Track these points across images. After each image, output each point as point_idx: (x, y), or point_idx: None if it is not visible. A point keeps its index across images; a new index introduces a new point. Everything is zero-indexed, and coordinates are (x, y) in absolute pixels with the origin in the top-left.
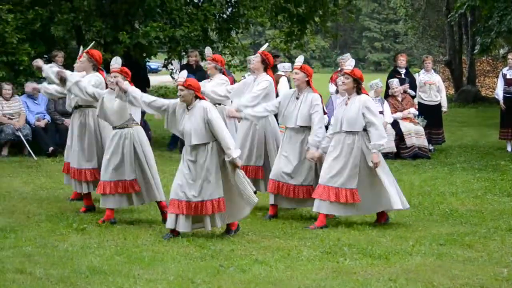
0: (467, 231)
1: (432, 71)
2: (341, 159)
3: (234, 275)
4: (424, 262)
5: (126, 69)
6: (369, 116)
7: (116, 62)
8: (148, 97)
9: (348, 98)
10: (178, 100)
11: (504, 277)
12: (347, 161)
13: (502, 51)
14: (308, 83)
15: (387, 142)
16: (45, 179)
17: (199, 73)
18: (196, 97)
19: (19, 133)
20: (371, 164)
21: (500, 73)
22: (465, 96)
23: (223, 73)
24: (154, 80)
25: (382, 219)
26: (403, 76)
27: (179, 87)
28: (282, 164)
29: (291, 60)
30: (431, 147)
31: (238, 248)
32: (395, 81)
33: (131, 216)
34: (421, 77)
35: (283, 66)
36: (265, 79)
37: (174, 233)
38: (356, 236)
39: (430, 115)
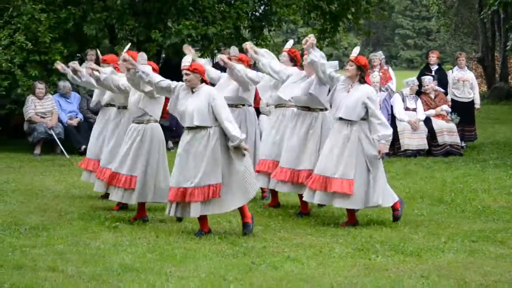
0: (499, 227)
1: (466, 68)
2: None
3: (266, 272)
4: (456, 258)
5: (153, 64)
6: (372, 107)
7: (142, 58)
8: (156, 76)
9: (351, 86)
10: (179, 84)
11: None
12: (343, 151)
13: None
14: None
15: (420, 139)
16: (77, 177)
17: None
18: (202, 81)
19: (52, 132)
20: (375, 153)
21: None
22: (498, 93)
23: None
24: None
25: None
26: (433, 73)
27: (184, 71)
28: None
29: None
30: (463, 144)
31: (270, 245)
32: (427, 78)
33: (163, 214)
34: (454, 74)
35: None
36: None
37: (205, 230)
38: (388, 233)
39: (463, 112)
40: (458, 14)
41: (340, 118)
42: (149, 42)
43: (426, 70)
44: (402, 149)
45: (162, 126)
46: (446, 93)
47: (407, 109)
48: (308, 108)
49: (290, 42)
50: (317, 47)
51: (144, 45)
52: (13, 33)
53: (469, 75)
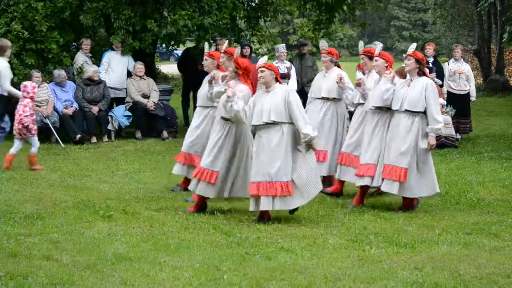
0: (493, 220)
1: (462, 60)
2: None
3: (260, 262)
4: (450, 251)
5: (239, 59)
6: (429, 100)
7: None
8: (243, 116)
9: (411, 80)
10: (252, 98)
11: None
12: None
13: None
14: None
15: None
16: (72, 166)
17: None
18: (276, 80)
19: (47, 121)
20: (425, 146)
21: None
22: (493, 85)
23: (338, 66)
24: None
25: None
26: (430, 65)
27: (260, 68)
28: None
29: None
30: (458, 137)
31: (264, 236)
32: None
33: (158, 203)
34: (450, 66)
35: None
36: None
37: (265, 216)
38: (382, 225)
39: (459, 104)
40: (455, 6)
41: (406, 111)
42: (145, 31)
43: None
44: None
45: (156, 116)
46: (441, 85)
47: None
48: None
49: (361, 44)
50: (312, 38)
51: (140, 35)
52: (10, 22)
53: (465, 67)
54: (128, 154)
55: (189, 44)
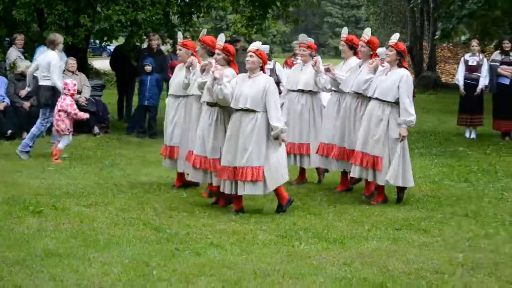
0: (423, 216)
1: None
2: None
3: (189, 258)
4: (379, 246)
5: (229, 46)
6: (402, 91)
7: (221, 40)
8: (230, 94)
9: (390, 69)
10: (234, 79)
11: (459, 262)
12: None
13: (463, 38)
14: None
15: None
16: (3, 161)
17: (160, 57)
18: (261, 68)
19: None
20: (396, 137)
21: (462, 59)
22: (425, 82)
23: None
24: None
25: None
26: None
27: (250, 53)
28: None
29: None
30: None
31: (194, 232)
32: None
33: (88, 199)
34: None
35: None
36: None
37: (237, 208)
38: (312, 221)
39: None
40: (388, 3)
41: (376, 99)
42: (78, 27)
43: None
44: None
45: (88, 111)
46: None
47: None
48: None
49: (345, 30)
50: (245, 34)
51: (73, 30)
52: None
53: None
54: None
55: (121, 40)
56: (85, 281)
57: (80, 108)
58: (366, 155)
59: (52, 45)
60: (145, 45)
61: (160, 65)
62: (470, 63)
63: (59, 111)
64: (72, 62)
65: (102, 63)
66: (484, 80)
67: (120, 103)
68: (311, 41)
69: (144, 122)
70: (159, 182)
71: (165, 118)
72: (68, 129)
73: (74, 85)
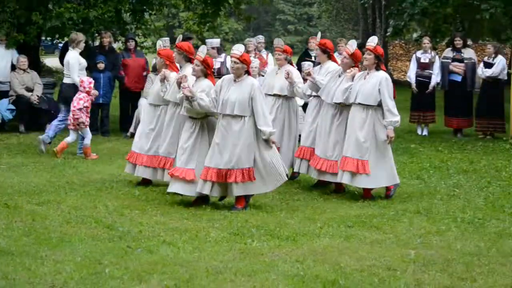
0: (375, 213)
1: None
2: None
3: (142, 256)
4: (331, 243)
5: (209, 59)
6: (383, 93)
7: (201, 52)
8: (210, 106)
9: (368, 73)
10: (218, 82)
11: (411, 258)
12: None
13: (415, 35)
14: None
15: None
16: None
17: (112, 55)
18: (246, 72)
19: None
20: (384, 138)
21: (414, 56)
22: None
23: (291, 64)
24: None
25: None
26: (313, 59)
27: (234, 59)
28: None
29: (204, 42)
30: None
31: (146, 230)
32: (306, 64)
33: (40, 197)
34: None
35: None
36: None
37: (241, 206)
38: (264, 218)
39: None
40: (340, 0)
41: (359, 104)
42: (29, 24)
43: (305, 56)
44: None
45: (40, 109)
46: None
47: None
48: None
49: (319, 35)
50: (197, 32)
51: (24, 28)
52: None
53: None
54: (11, 147)
55: None
56: (38, 279)
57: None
58: (353, 160)
59: (73, 43)
60: (97, 43)
61: (112, 63)
62: (422, 61)
63: (77, 107)
64: (23, 60)
65: (54, 61)
66: (436, 78)
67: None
68: (285, 45)
69: (97, 120)
70: (111, 180)
71: (141, 125)
72: (84, 123)
73: (90, 83)
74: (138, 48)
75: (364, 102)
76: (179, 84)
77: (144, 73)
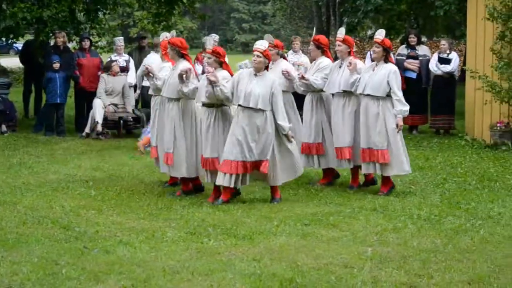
0: (332, 211)
1: (300, 51)
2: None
3: (98, 256)
4: (288, 242)
5: (218, 48)
6: (392, 84)
7: (208, 44)
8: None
9: (376, 65)
10: (235, 76)
11: (368, 256)
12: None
13: (369, 32)
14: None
15: None
16: None
17: (67, 54)
18: (266, 67)
19: None
20: (394, 127)
21: (368, 54)
22: None
23: (284, 58)
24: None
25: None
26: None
27: (257, 53)
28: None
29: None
30: None
31: (103, 230)
32: (302, 68)
33: None
34: (289, 58)
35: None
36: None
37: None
38: (221, 217)
39: (299, 95)
40: None
41: (368, 95)
42: None
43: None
44: None
45: None
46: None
47: None
48: None
49: (314, 31)
50: (152, 31)
51: None
52: None
53: (304, 59)
54: None
55: (29, 37)
56: None
57: None
58: (372, 151)
59: (156, 48)
60: (52, 42)
61: (67, 62)
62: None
63: None
64: None
65: (8, 61)
66: None
67: (26, 100)
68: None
69: (53, 120)
70: (67, 180)
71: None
72: None
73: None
74: (93, 48)
75: (373, 93)
76: (181, 77)
77: (99, 73)
